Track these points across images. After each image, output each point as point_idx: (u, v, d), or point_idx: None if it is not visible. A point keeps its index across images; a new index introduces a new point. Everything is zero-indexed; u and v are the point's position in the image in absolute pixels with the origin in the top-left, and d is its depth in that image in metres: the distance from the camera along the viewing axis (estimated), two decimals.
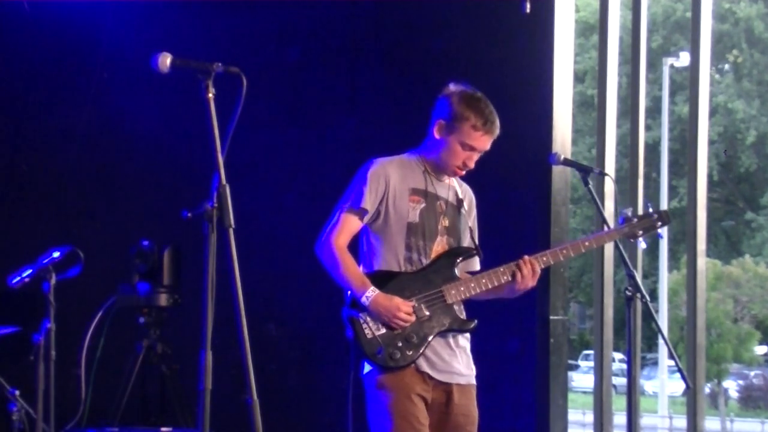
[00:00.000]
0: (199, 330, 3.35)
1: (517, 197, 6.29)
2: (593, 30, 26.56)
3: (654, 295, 26.00)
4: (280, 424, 6.16)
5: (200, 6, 7.08)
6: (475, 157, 4.36)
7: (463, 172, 4.41)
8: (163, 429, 6.10)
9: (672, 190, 28.94)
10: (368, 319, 4.24)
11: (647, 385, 29.66)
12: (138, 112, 7.10)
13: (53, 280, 5.12)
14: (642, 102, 6.76)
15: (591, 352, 22.72)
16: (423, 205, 4.35)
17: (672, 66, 28.94)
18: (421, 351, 4.26)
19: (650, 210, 4.58)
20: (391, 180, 4.32)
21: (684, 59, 26.58)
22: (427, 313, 4.29)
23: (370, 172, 4.33)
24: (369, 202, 4.30)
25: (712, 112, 27.92)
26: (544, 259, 4.37)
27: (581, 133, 29.82)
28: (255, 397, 3.37)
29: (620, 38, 7.00)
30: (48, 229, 7.04)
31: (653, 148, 27.52)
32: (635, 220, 4.52)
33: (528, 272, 4.32)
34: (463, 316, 4.40)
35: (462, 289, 4.32)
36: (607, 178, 5.85)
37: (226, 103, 3.47)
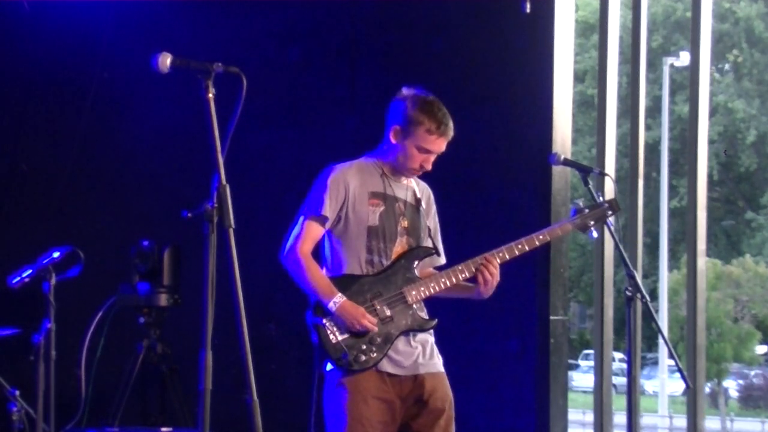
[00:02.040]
0: (199, 330, 3.35)
1: (517, 197, 6.29)
2: (593, 30, 26.56)
3: (654, 295, 26.00)
4: (280, 424, 6.16)
5: (200, 6, 7.07)
6: (432, 158, 4.41)
7: (420, 173, 4.47)
8: (163, 429, 6.10)
9: (672, 190, 28.94)
10: (333, 324, 4.30)
11: (647, 384, 29.67)
12: (138, 112, 7.10)
13: (53, 280, 5.11)
14: (642, 102, 6.76)
15: (591, 351, 22.73)
16: (382, 207, 4.41)
17: (672, 66, 28.94)
18: (385, 352, 4.33)
19: (600, 199, 4.58)
20: (351, 185, 4.39)
21: (684, 59, 26.58)
22: (389, 314, 4.35)
23: (329, 179, 4.40)
24: (329, 209, 4.36)
25: (712, 112, 27.93)
26: (500, 254, 4.42)
27: (581, 133, 29.83)
28: (255, 397, 3.38)
29: (620, 38, 7.00)
30: (48, 229, 7.04)
31: (653, 148, 27.52)
32: (586, 210, 4.53)
33: (491, 272, 4.37)
34: (424, 315, 4.45)
35: (422, 289, 4.38)
36: (607, 178, 5.85)
37: (226, 103, 3.47)
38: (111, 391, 6.23)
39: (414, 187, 4.51)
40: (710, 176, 25.21)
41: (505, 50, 6.41)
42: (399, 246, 4.42)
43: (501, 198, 6.22)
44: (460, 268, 4.38)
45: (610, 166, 6.57)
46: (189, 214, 3.45)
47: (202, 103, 3.46)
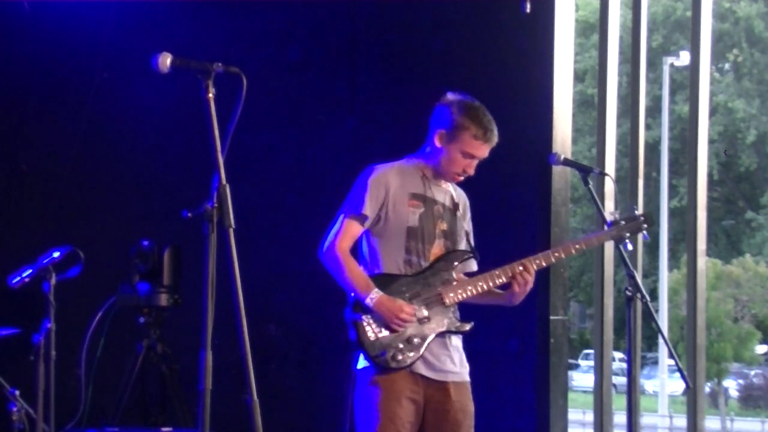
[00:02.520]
0: (199, 330, 3.35)
1: (517, 197, 6.29)
2: (593, 29, 26.56)
3: (654, 294, 26.01)
4: (280, 424, 6.16)
5: (200, 6, 7.07)
6: (475, 163, 4.46)
7: (462, 179, 4.51)
8: (163, 429, 6.10)
9: (672, 189, 28.94)
10: (371, 321, 4.32)
11: (647, 384, 29.67)
12: (138, 112, 7.10)
13: (53, 280, 5.12)
14: (642, 101, 6.76)
15: (591, 351, 22.72)
16: (422, 209, 4.45)
17: (672, 65, 28.94)
18: (421, 352, 4.34)
19: (636, 212, 4.62)
20: (391, 186, 4.42)
21: (684, 58, 26.58)
22: (426, 314, 4.37)
23: (370, 179, 4.43)
24: (370, 208, 4.40)
25: (712, 112, 27.93)
26: (537, 262, 4.45)
27: (581, 132, 29.82)
28: (255, 397, 3.38)
29: (620, 38, 7.00)
30: (48, 229, 7.04)
31: (653, 148, 27.52)
32: (623, 222, 4.57)
33: (526, 277, 4.40)
34: (459, 318, 4.47)
35: (459, 291, 4.41)
36: (607, 178, 5.86)
37: (226, 103, 3.47)
38: (111, 391, 6.23)
39: (452, 192, 4.56)
40: (710, 176, 25.19)
41: (505, 50, 6.42)
42: (436, 248, 4.46)
43: (501, 198, 6.22)
44: (497, 272, 4.41)
45: (610, 166, 6.57)
46: (189, 214, 3.45)
47: (202, 103, 3.46)
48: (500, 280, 4.41)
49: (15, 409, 5.28)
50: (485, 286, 4.40)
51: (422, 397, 4.38)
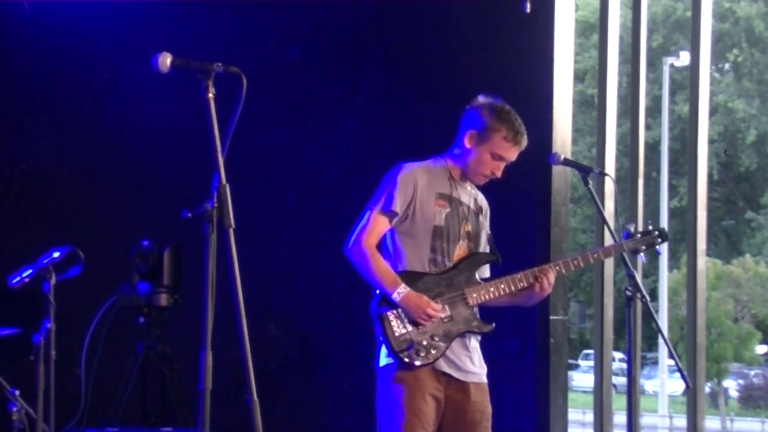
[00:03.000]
0: (199, 330, 3.35)
1: (517, 197, 6.28)
2: (593, 29, 26.56)
3: (654, 294, 26.00)
4: (280, 424, 6.17)
5: (200, 6, 7.07)
6: (503, 166, 4.52)
7: (487, 180, 4.55)
8: (163, 429, 6.10)
9: (672, 189, 28.94)
10: (397, 316, 4.35)
11: (647, 384, 29.67)
12: (138, 112, 7.10)
13: (53, 280, 5.12)
14: (642, 101, 6.76)
15: (591, 351, 22.72)
16: (448, 209, 4.48)
17: (672, 65, 28.93)
18: (443, 351, 4.38)
19: (650, 227, 4.67)
20: (419, 184, 4.45)
21: (684, 59, 26.57)
22: (450, 313, 4.41)
23: (399, 176, 4.45)
24: (399, 205, 4.42)
25: (712, 112, 27.93)
26: (557, 268, 4.51)
27: (581, 132, 29.82)
28: (255, 397, 3.38)
29: (620, 38, 7.00)
30: (48, 229, 7.04)
31: (653, 148, 27.52)
32: (638, 235, 4.62)
33: (548, 282, 4.47)
34: (479, 318, 4.51)
35: (482, 292, 4.45)
36: (607, 178, 5.86)
37: (226, 103, 3.47)
38: (111, 391, 6.23)
39: (476, 195, 4.61)
40: (710, 176, 25.20)
41: (505, 50, 6.41)
42: (460, 249, 4.50)
43: (501, 198, 6.20)
44: (519, 276, 4.46)
45: (610, 166, 6.57)
46: (189, 214, 3.45)
47: (202, 103, 3.46)
48: (521, 284, 4.46)
49: (15, 409, 5.28)
50: (507, 289, 4.45)
51: (443, 395, 4.41)
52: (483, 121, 4.47)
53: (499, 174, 4.52)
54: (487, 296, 4.44)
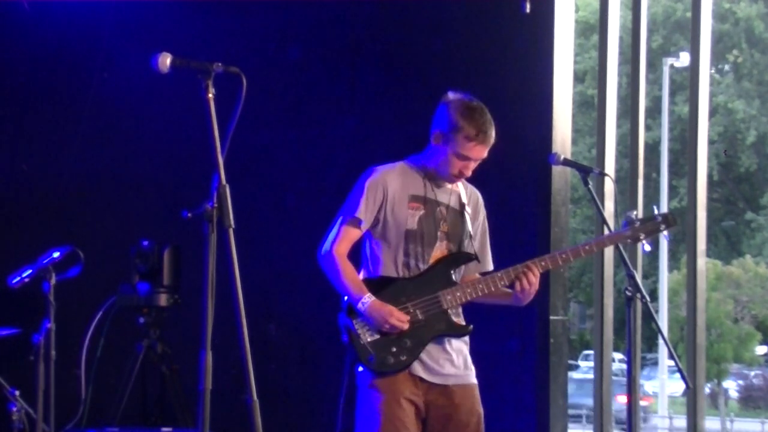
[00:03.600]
0: (199, 330, 3.35)
1: (517, 197, 6.28)
2: (593, 30, 26.55)
3: (654, 295, 25.99)
4: (280, 424, 6.17)
5: (200, 6, 7.07)
6: (472, 165, 4.39)
7: (460, 180, 4.45)
8: (163, 429, 6.10)
9: (672, 190, 28.94)
10: (363, 325, 4.32)
11: (647, 385, 29.65)
12: (138, 112, 7.10)
13: (53, 280, 5.12)
14: (642, 102, 6.76)
15: (591, 352, 22.71)
16: (422, 211, 4.40)
17: (672, 66, 28.93)
18: (415, 356, 4.32)
19: (655, 213, 4.54)
20: (390, 188, 4.38)
21: (684, 59, 26.55)
22: (422, 318, 4.34)
23: (367, 182, 4.39)
24: (365, 212, 4.36)
25: (712, 112, 27.92)
26: (543, 263, 4.40)
27: (581, 133, 29.82)
28: (255, 397, 3.38)
29: (620, 38, 7.00)
30: (48, 229, 7.04)
31: (653, 148, 27.51)
32: (638, 223, 4.49)
33: (530, 280, 4.35)
34: (459, 320, 4.45)
35: (458, 294, 4.37)
36: (607, 178, 5.85)
37: (226, 103, 3.47)
38: (111, 391, 6.23)
39: (460, 191, 4.49)
40: (710, 176, 25.19)
41: (505, 50, 6.41)
42: (438, 251, 4.41)
43: (501, 198, 6.21)
44: (499, 275, 4.37)
45: (610, 166, 6.57)
46: (189, 214, 3.45)
47: (202, 103, 3.46)
48: (502, 283, 4.37)
49: (15, 409, 5.29)
50: (486, 290, 4.36)
51: (423, 401, 4.36)
52: (447, 120, 4.35)
53: (468, 173, 4.39)
54: (463, 298, 4.36)
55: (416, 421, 4.36)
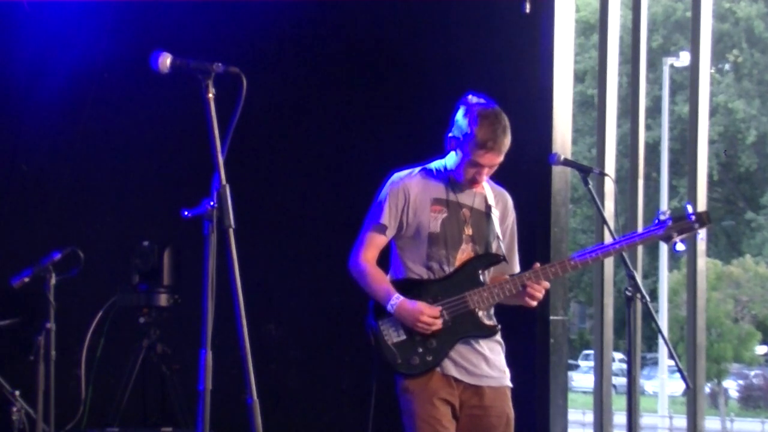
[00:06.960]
0: (199, 330, 3.35)
1: (517, 197, 6.27)
2: (593, 30, 26.56)
3: (654, 295, 26.00)
4: (280, 424, 6.16)
5: (200, 6, 7.07)
6: (485, 171, 4.39)
7: (474, 185, 4.44)
8: (163, 429, 6.10)
9: (672, 190, 28.93)
10: (388, 327, 4.35)
11: (647, 385, 29.67)
12: (138, 112, 7.10)
13: (53, 280, 5.12)
14: (642, 102, 6.76)
15: (591, 352, 22.71)
16: (445, 214, 4.41)
17: (672, 66, 28.95)
18: (442, 356, 4.34)
19: (688, 211, 4.43)
20: (411, 193, 4.41)
21: (684, 59, 26.60)
22: (448, 318, 4.35)
23: (389, 189, 4.44)
24: (389, 218, 4.40)
25: (712, 112, 27.91)
26: (552, 270, 4.39)
27: (581, 133, 29.82)
28: (255, 397, 3.38)
29: (620, 38, 7.00)
30: (48, 229, 7.04)
31: (653, 148, 27.52)
32: (669, 222, 4.40)
33: (535, 290, 4.37)
34: (488, 321, 4.46)
35: (485, 295, 4.38)
36: (607, 178, 5.85)
37: (226, 103, 3.47)
38: (111, 391, 6.23)
39: (486, 193, 4.50)
40: (710, 176, 25.21)
41: (505, 50, 6.41)
42: (464, 253, 4.43)
43: None
44: (527, 275, 4.38)
45: (610, 166, 6.57)
46: (189, 214, 3.45)
47: (202, 103, 3.46)
48: (530, 283, 4.35)
49: (15, 409, 5.29)
50: (513, 290, 4.37)
51: (458, 400, 4.39)
52: (460, 126, 4.36)
53: (481, 179, 4.40)
54: (491, 299, 4.38)
55: (454, 420, 4.39)
